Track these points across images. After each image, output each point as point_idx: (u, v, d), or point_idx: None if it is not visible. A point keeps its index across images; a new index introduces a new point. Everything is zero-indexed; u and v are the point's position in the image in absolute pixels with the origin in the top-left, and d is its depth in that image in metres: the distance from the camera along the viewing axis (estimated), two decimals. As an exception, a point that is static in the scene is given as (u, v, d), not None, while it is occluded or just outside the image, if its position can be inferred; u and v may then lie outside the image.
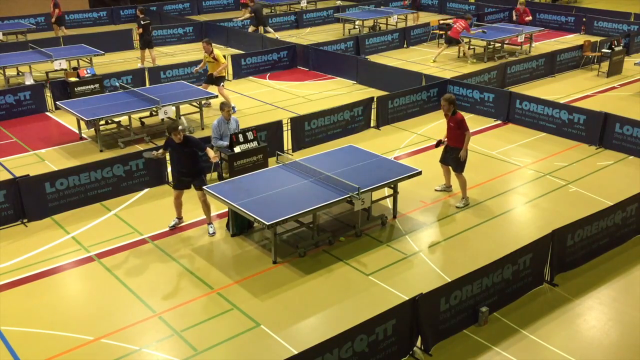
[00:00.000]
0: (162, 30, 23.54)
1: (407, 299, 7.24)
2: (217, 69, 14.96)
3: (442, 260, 9.17)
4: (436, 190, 11.17)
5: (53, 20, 23.00)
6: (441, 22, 23.16)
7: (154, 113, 14.09)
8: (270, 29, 23.01)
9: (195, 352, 7.31)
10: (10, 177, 11.16)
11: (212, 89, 15.02)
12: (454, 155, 10.55)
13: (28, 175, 10.38)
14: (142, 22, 18.92)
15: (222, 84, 15.21)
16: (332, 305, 8.15)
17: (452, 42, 20.18)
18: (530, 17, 22.88)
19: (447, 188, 11.16)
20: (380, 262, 9.07)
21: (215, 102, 14.72)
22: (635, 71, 18.68)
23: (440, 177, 11.21)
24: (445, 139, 10.70)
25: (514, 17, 23.50)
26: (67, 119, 15.00)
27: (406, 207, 10.64)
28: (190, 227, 10.10)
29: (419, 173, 10.17)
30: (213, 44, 15.44)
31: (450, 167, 10.80)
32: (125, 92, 14.71)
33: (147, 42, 19.30)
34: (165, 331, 7.67)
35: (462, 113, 15.70)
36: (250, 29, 22.66)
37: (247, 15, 24.29)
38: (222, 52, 16.08)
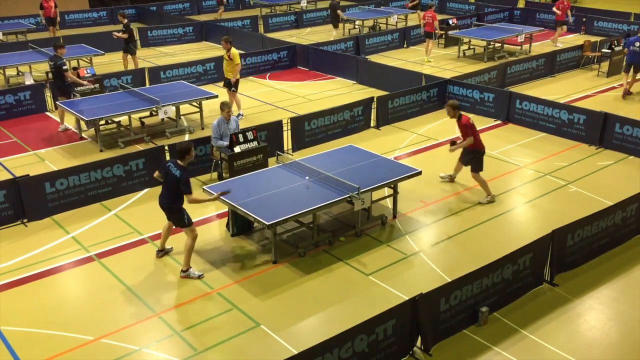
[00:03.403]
0: (162, 30, 23.57)
1: (407, 299, 7.24)
2: (233, 68, 14.63)
3: (442, 260, 9.16)
4: (440, 176, 11.52)
5: (58, 19, 23.28)
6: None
7: (154, 113, 14.08)
8: (334, 31, 23.11)
9: (195, 352, 7.31)
10: (10, 177, 11.16)
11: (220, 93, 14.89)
12: (472, 156, 10.74)
13: (28, 175, 10.38)
14: (129, 27, 18.26)
15: (233, 89, 14.82)
16: (332, 305, 8.15)
17: (429, 36, 20.50)
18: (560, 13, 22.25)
19: (451, 180, 11.48)
20: (380, 262, 9.07)
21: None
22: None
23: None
24: (457, 139, 11.03)
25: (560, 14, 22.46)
26: (67, 119, 14.98)
27: (406, 207, 10.63)
28: (190, 227, 10.10)
29: (419, 173, 10.17)
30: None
31: (464, 167, 11.12)
32: (125, 92, 14.72)
33: (134, 47, 18.68)
34: (165, 331, 7.67)
35: (462, 114, 15.74)
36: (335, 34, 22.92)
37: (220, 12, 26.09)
38: (222, 53, 15.98)
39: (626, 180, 11.63)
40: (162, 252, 9.29)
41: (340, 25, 25.03)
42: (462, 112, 10.79)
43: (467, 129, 10.60)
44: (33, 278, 8.79)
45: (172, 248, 9.40)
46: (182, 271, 8.75)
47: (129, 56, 18.58)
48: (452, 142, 10.87)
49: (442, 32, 21.87)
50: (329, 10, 23.96)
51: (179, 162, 8.47)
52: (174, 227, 9.07)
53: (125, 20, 18.33)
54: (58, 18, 23.38)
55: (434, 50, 21.02)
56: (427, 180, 11.13)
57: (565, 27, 22.60)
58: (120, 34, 18.22)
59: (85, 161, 11.72)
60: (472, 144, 10.58)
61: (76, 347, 7.37)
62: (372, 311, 7.20)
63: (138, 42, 22.84)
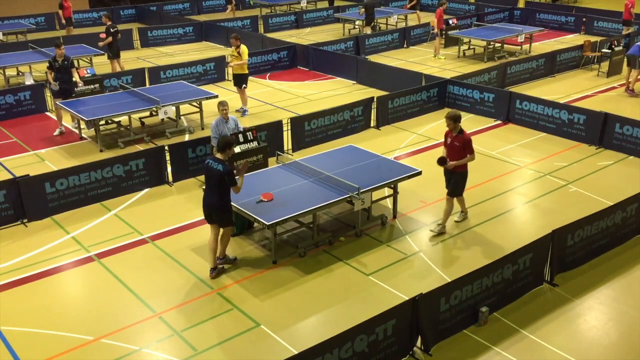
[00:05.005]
0: (162, 30, 23.57)
1: (407, 299, 7.24)
2: (241, 65, 14.75)
3: (442, 260, 9.16)
4: (431, 231, 9.75)
5: (74, 20, 23.84)
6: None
7: (154, 113, 14.08)
8: (371, 28, 22.96)
9: (195, 352, 7.31)
10: (10, 177, 11.16)
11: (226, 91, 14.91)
12: (453, 179, 9.56)
13: (28, 175, 10.38)
14: (111, 30, 17.61)
15: (243, 86, 15.00)
16: (332, 305, 8.15)
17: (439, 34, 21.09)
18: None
19: (443, 229, 9.77)
20: (380, 262, 9.07)
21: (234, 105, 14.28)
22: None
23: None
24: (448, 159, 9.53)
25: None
26: (67, 119, 14.98)
27: (406, 207, 10.63)
28: (190, 227, 10.10)
29: (419, 173, 10.17)
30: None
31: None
32: (125, 92, 14.72)
33: (117, 51, 18.03)
34: (165, 331, 7.67)
35: (463, 113, 15.75)
36: (366, 30, 22.66)
37: (231, 11, 26.27)
38: (223, 52, 16.00)
39: (626, 180, 11.63)
40: (216, 270, 8.74)
41: (340, 25, 25.06)
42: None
43: (470, 146, 9.37)
44: (33, 278, 8.79)
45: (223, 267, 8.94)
46: (219, 258, 8.83)
47: (116, 60, 18.15)
48: (442, 160, 9.47)
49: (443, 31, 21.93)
50: (361, 8, 23.03)
51: (218, 156, 8.46)
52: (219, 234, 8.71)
53: (109, 22, 17.80)
54: (73, 18, 23.77)
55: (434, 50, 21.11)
56: (427, 180, 11.12)
57: (630, 28, 22.04)
58: (105, 41, 17.68)
59: (85, 161, 11.73)
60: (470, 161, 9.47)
61: (76, 347, 7.37)
62: (372, 311, 7.21)
63: (138, 42, 22.90)
